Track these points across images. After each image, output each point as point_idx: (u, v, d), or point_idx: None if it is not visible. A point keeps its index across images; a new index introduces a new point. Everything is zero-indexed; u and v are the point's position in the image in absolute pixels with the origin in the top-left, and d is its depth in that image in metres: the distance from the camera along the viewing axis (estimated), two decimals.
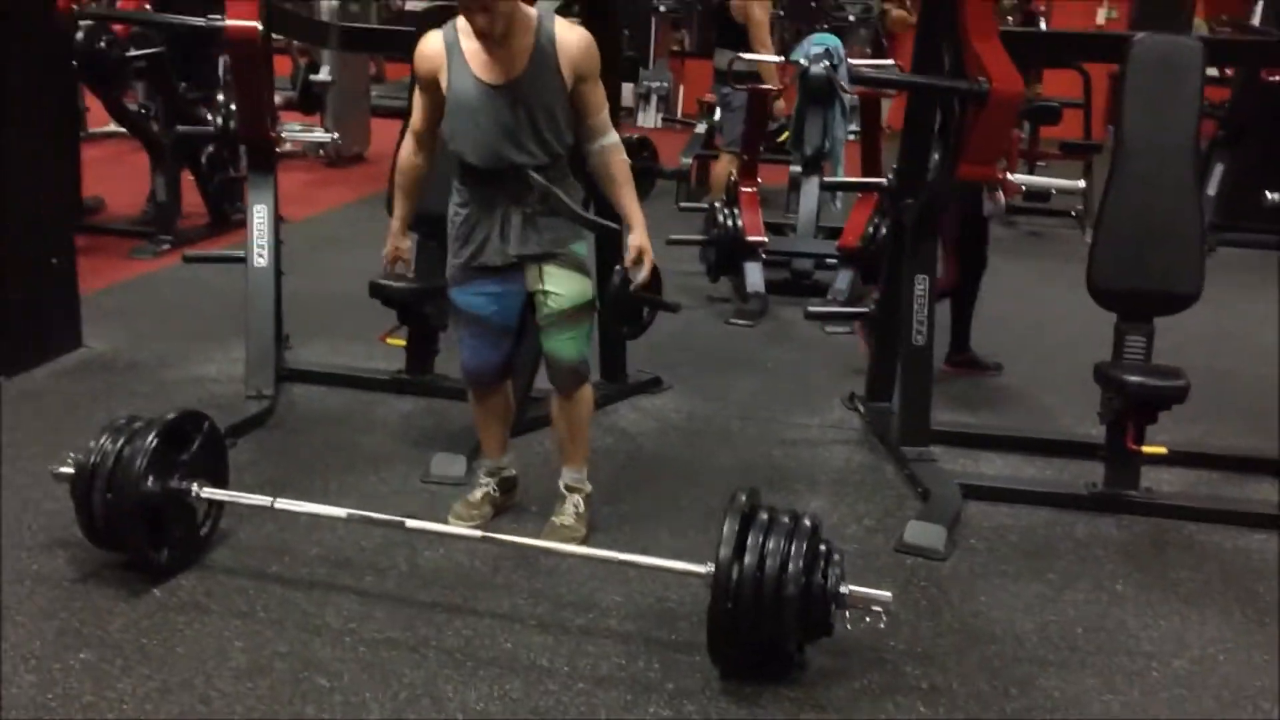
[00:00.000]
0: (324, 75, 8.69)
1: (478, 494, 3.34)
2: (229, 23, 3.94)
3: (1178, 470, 3.84)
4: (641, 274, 3.10)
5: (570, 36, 2.94)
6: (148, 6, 6.64)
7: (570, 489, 3.29)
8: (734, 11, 7.12)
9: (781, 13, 9.16)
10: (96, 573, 2.92)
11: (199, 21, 4.21)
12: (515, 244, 3.02)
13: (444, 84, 2.98)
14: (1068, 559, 3.31)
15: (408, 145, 3.18)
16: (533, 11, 2.96)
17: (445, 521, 3.19)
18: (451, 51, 2.96)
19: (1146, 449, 3.47)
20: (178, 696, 2.46)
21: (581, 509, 3.28)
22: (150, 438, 2.84)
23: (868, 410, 4.26)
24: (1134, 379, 3.41)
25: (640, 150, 4.29)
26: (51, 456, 3.07)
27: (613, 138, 3.07)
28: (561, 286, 3.07)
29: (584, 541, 3.18)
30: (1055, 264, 6.50)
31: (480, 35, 2.85)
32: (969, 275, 4.76)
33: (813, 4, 8.10)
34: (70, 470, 2.88)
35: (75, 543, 2.97)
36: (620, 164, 3.08)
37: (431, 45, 3.00)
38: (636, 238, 3.07)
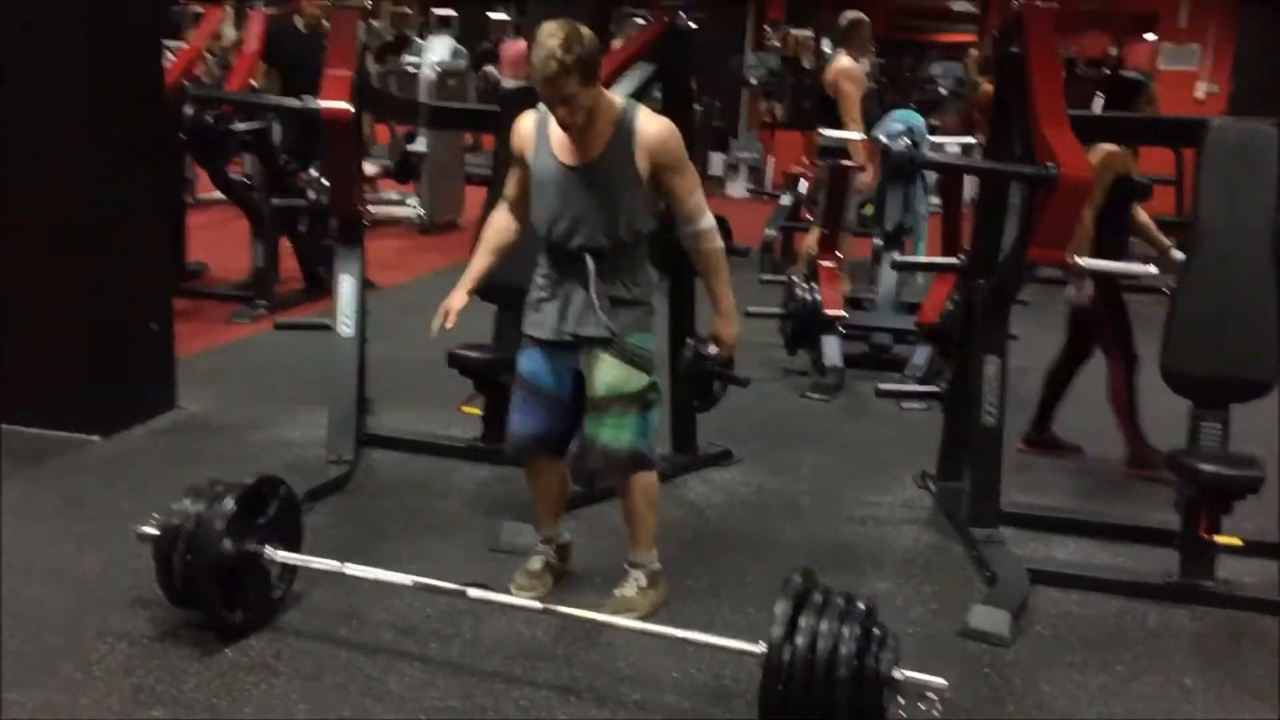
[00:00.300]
0: (419, 146, 8.98)
1: (537, 564, 3.40)
2: (323, 104, 4.15)
3: (1258, 561, 3.73)
4: (714, 349, 3.26)
5: (650, 127, 3.03)
6: (253, 83, 6.99)
7: (634, 565, 3.33)
8: (827, 86, 7.23)
9: (874, 85, 9.23)
10: (174, 631, 3.03)
11: (295, 103, 4.43)
12: (571, 323, 3.11)
13: (529, 159, 3.12)
14: (1137, 650, 3.24)
15: (499, 210, 3.33)
16: (618, 100, 3.08)
17: (507, 591, 3.25)
18: (540, 131, 3.10)
19: (1220, 539, 3.40)
20: None
21: (644, 584, 3.31)
22: (229, 502, 2.96)
23: (938, 489, 4.23)
24: (1207, 468, 3.35)
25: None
26: (141, 515, 3.21)
27: (702, 224, 3.13)
28: (606, 374, 3.12)
29: (647, 618, 3.21)
30: (1144, 341, 6.38)
31: (562, 125, 2.98)
32: (1072, 359, 4.74)
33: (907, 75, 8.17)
34: (154, 531, 3.01)
35: (156, 601, 3.09)
36: (708, 252, 3.16)
37: (524, 124, 3.16)
38: (721, 326, 3.22)
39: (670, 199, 3.11)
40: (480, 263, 3.32)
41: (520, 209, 3.26)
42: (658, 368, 3.25)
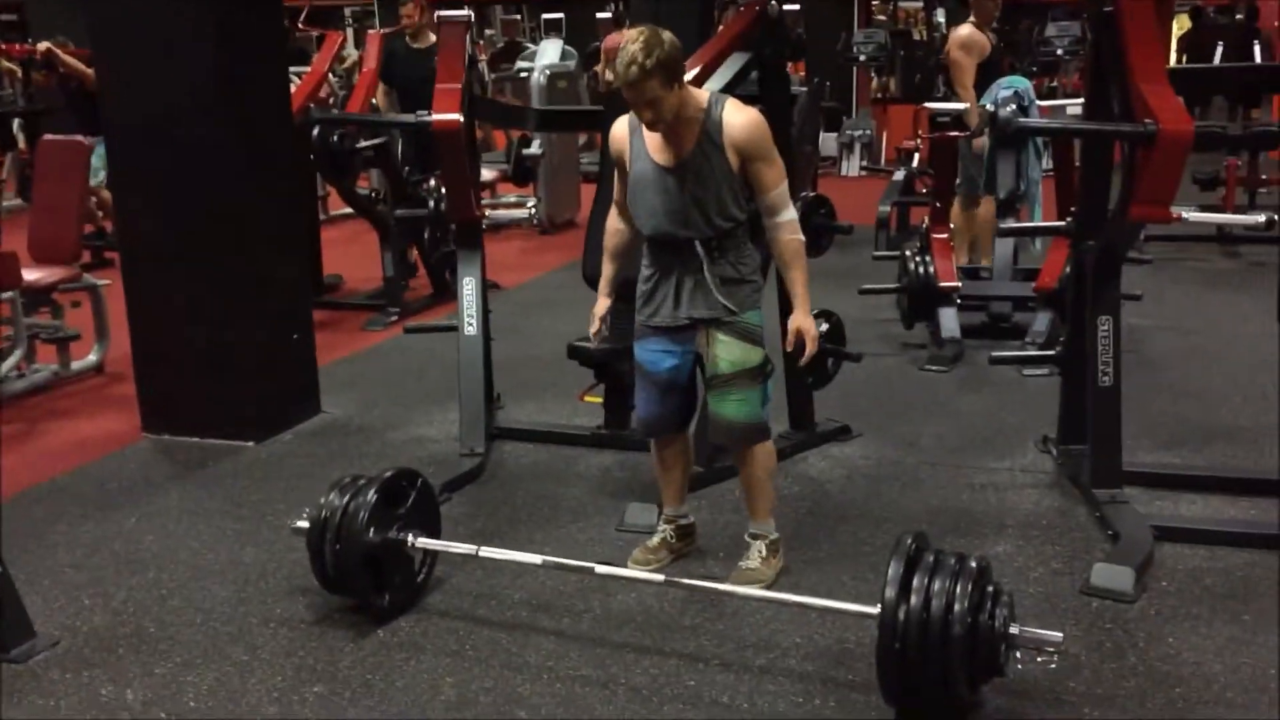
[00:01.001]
0: (535, 149, 9.22)
1: (655, 540, 3.55)
2: (434, 117, 4.36)
3: None
4: (806, 352, 3.28)
5: (736, 118, 3.15)
6: (374, 101, 7.31)
7: (755, 536, 3.45)
8: (946, 58, 7.20)
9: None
10: (329, 615, 3.28)
11: (409, 118, 4.66)
12: (685, 307, 3.25)
13: (626, 162, 3.27)
14: (1265, 600, 3.22)
15: (611, 215, 3.49)
16: (704, 96, 3.20)
17: (628, 567, 3.41)
18: (634, 134, 3.25)
19: None
20: None
21: (765, 554, 3.43)
22: (371, 494, 3.19)
23: (1060, 453, 4.24)
24: None
25: (818, 208, 4.42)
26: (294, 513, 3.48)
27: (784, 216, 3.23)
28: (725, 351, 3.25)
29: (770, 586, 3.33)
30: (1261, 292, 6.22)
31: (649, 126, 3.12)
32: None
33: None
34: (305, 525, 3.25)
35: (312, 589, 3.34)
36: (787, 244, 3.25)
37: (618, 129, 3.32)
38: (796, 319, 3.28)
39: (756, 188, 3.20)
40: (610, 269, 3.53)
41: (627, 212, 3.40)
42: (769, 345, 3.36)
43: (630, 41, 3.00)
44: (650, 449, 3.56)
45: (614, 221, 3.49)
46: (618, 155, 3.32)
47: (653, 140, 3.19)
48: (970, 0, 7.12)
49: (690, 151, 3.14)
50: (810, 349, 3.29)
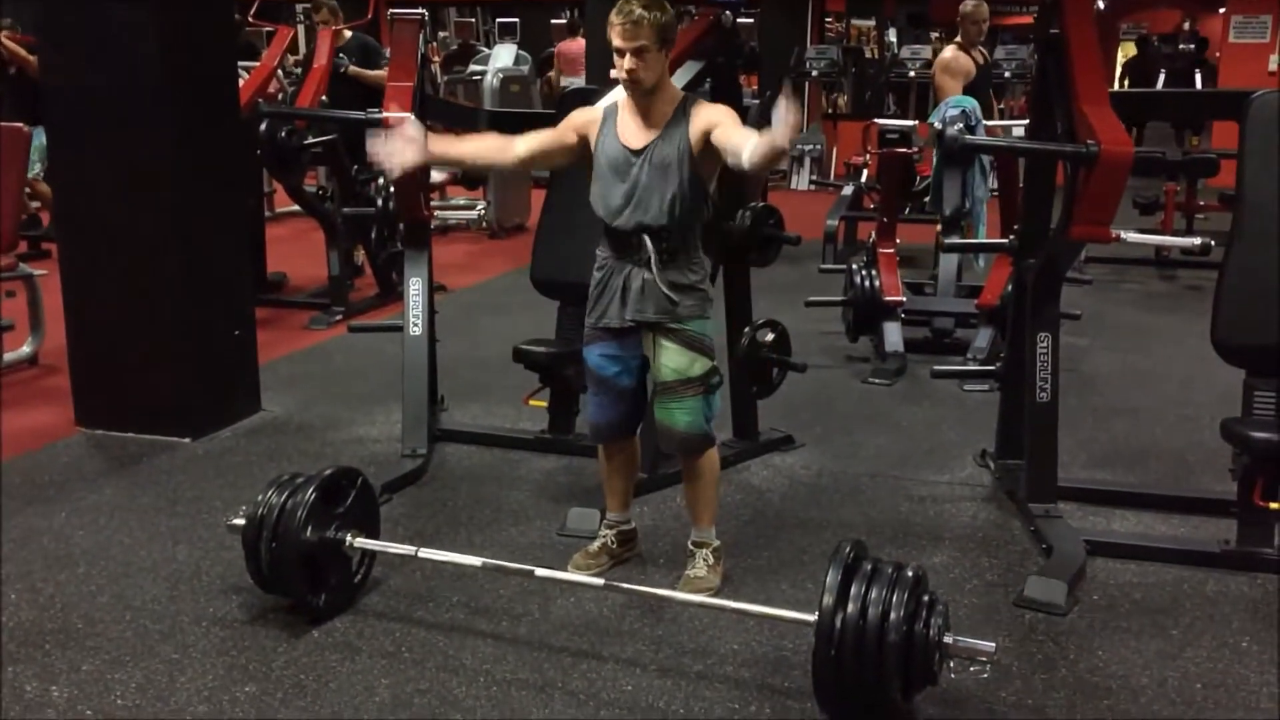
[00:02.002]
0: None
1: (596, 545, 3.55)
2: (385, 114, 4.34)
3: None
4: (774, 137, 2.80)
5: (704, 104, 3.22)
6: (325, 100, 7.24)
7: (698, 545, 3.46)
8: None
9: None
10: (263, 615, 3.23)
11: (359, 115, 4.63)
12: (631, 309, 3.25)
13: (592, 143, 3.27)
14: (1193, 616, 3.29)
15: (517, 140, 3.34)
16: (680, 91, 3.28)
17: (568, 571, 3.40)
18: (607, 118, 3.27)
19: (1276, 505, 3.42)
20: None
21: (711, 561, 3.44)
22: (310, 492, 3.15)
23: (997, 467, 4.29)
24: (1260, 435, 3.38)
25: (767, 218, 4.45)
26: (230, 510, 3.43)
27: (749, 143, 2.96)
28: (668, 359, 3.26)
29: (716, 592, 3.34)
30: (1197, 313, 6.35)
31: (630, 80, 3.12)
32: None
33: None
34: (241, 522, 3.21)
35: (247, 588, 3.29)
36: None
37: (593, 109, 3.34)
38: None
39: (723, 143, 3.03)
40: (455, 146, 3.40)
41: (525, 159, 3.32)
42: (717, 355, 3.37)
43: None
44: (598, 454, 3.55)
45: (503, 140, 3.35)
46: (581, 126, 3.30)
47: (626, 125, 3.22)
48: (957, 21, 7.16)
49: (659, 134, 3.17)
50: (792, 123, 2.77)
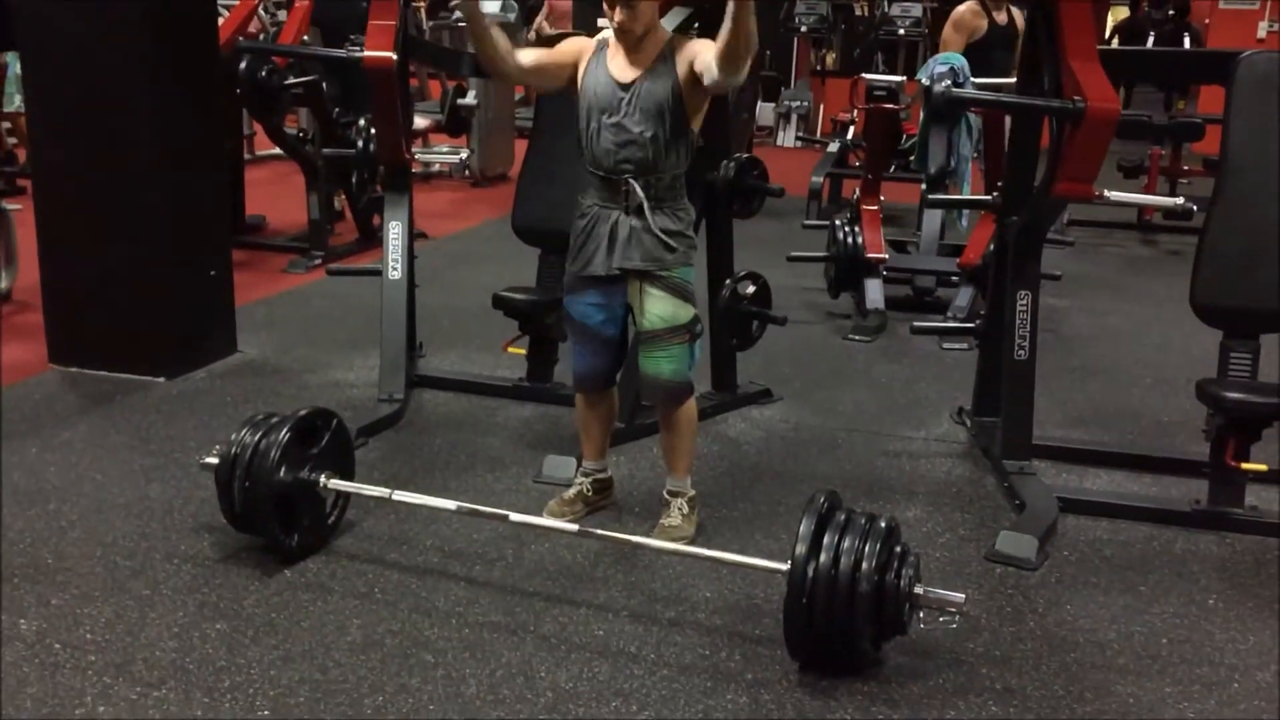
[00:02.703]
0: (470, 99, 9.09)
1: (571, 492, 3.55)
2: (366, 53, 4.27)
3: None
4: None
5: (691, 40, 3.21)
6: (305, 39, 7.13)
7: (673, 494, 3.46)
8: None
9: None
10: (235, 554, 3.22)
11: (340, 53, 4.56)
12: (618, 257, 3.22)
13: (580, 72, 3.24)
14: (1161, 573, 3.32)
15: (521, 51, 3.26)
16: (667, 31, 3.25)
17: (543, 517, 3.40)
18: (599, 51, 3.24)
19: (1247, 466, 3.45)
20: (299, 665, 2.72)
21: (686, 510, 3.44)
22: (284, 432, 3.13)
23: (973, 424, 4.31)
24: (1233, 395, 3.40)
25: (750, 169, 4.42)
26: (203, 450, 3.40)
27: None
28: (655, 307, 3.24)
29: (691, 541, 3.34)
30: (1174, 275, 6.37)
31: (620, 30, 3.10)
32: None
33: None
34: (215, 461, 3.19)
35: (219, 527, 3.28)
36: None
37: (586, 40, 3.32)
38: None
39: (701, 68, 3.02)
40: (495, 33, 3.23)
41: (526, 66, 3.23)
42: (697, 305, 3.36)
43: None
44: (577, 402, 3.54)
45: (513, 55, 3.22)
46: (571, 53, 3.27)
47: (615, 59, 3.19)
48: None
49: (646, 71, 3.14)
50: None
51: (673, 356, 3.28)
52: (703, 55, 3.05)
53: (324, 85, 6.79)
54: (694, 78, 3.09)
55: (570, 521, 3.35)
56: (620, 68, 3.18)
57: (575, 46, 3.30)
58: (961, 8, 6.86)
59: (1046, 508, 3.58)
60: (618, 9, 3.08)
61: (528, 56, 3.29)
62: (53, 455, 3.87)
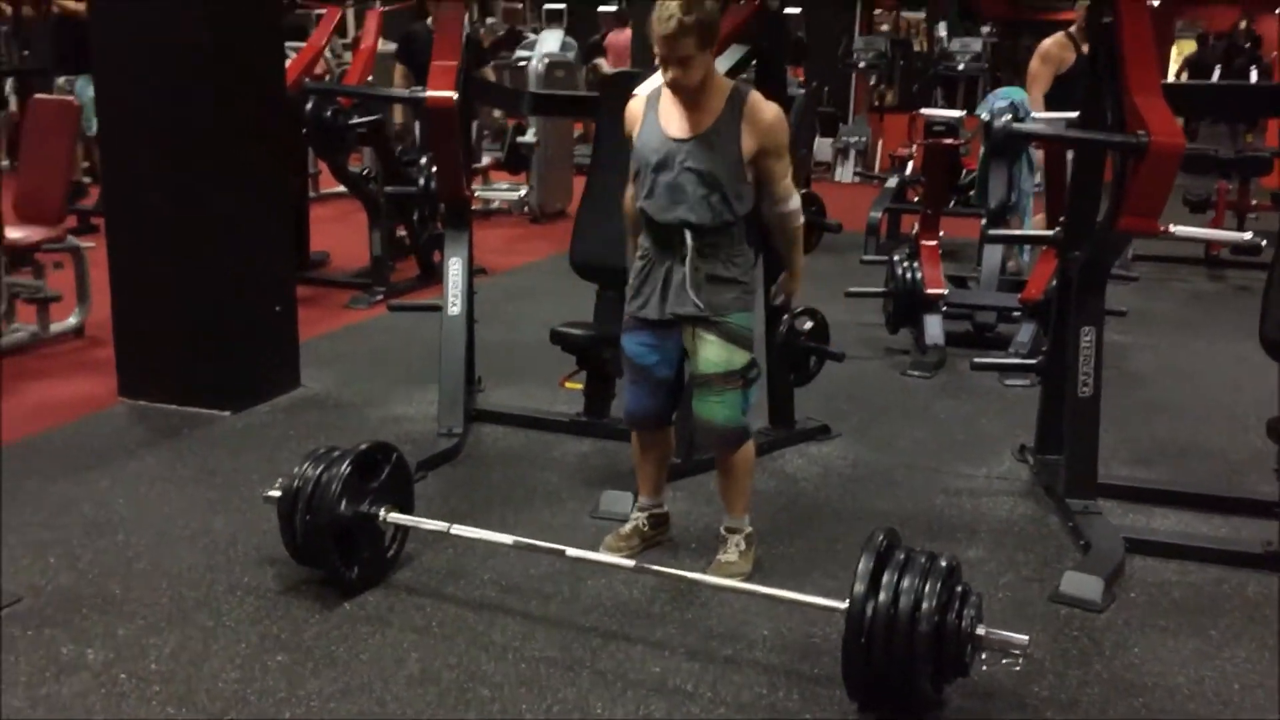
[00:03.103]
0: (529, 137, 9.20)
1: (628, 527, 3.54)
2: (428, 94, 4.34)
3: None
4: (781, 297, 3.63)
5: (763, 108, 3.15)
6: (370, 79, 7.28)
7: (731, 530, 3.45)
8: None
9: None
10: (297, 586, 3.26)
11: (404, 93, 4.64)
12: (671, 303, 3.23)
13: (634, 136, 3.25)
14: (1233, 616, 3.24)
15: (628, 194, 3.39)
16: (728, 81, 3.22)
17: (600, 553, 3.39)
18: (649, 107, 3.23)
19: None
20: (357, 698, 2.74)
21: (743, 547, 3.43)
22: (345, 466, 3.17)
23: (1036, 462, 4.25)
24: None
25: (809, 205, 4.42)
26: (267, 483, 3.45)
27: (792, 204, 3.28)
28: (709, 352, 3.23)
29: (748, 578, 3.32)
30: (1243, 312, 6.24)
31: (674, 86, 3.10)
32: None
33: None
34: (277, 494, 3.24)
35: (281, 559, 3.32)
36: (793, 227, 3.34)
37: (634, 103, 3.31)
38: (789, 281, 3.54)
39: (766, 180, 3.21)
40: (631, 247, 3.45)
41: (632, 195, 3.35)
42: (755, 342, 3.36)
43: None
44: (632, 439, 3.54)
45: (629, 201, 3.40)
46: (629, 128, 3.29)
47: (667, 114, 3.17)
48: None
49: (706, 128, 3.12)
50: (789, 298, 3.63)
51: (726, 402, 3.26)
52: (775, 178, 3.21)
53: (416, 124, 6.89)
54: (755, 155, 3.15)
55: (627, 557, 3.34)
56: (675, 122, 3.15)
57: (629, 119, 3.29)
58: (1049, 40, 6.74)
59: (1112, 548, 3.51)
60: (670, 67, 3.05)
61: (629, 191, 3.36)
62: (121, 488, 3.95)
